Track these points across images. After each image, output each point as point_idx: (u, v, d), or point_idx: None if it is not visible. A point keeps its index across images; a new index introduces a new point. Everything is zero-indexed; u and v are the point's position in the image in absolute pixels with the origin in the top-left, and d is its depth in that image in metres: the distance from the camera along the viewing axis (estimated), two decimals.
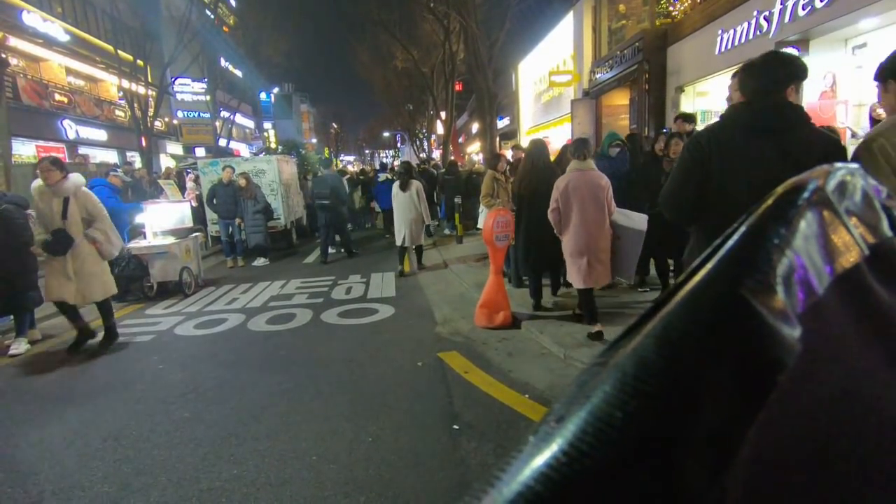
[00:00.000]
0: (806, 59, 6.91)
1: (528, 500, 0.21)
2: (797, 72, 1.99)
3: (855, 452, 0.29)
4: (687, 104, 9.76)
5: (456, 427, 2.96)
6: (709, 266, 0.29)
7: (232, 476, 2.59)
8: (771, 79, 1.97)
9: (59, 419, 3.38)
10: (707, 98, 9.65)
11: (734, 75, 2.27)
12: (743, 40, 7.88)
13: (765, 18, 7.28)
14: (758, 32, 7.51)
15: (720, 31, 8.40)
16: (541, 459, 0.22)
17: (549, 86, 16.27)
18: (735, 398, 0.24)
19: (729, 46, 8.25)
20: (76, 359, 4.59)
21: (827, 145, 1.93)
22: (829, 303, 0.30)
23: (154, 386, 3.85)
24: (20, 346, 4.74)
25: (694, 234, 2.19)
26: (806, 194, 0.33)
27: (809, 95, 6.94)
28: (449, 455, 2.69)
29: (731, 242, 0.30)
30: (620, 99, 12.67)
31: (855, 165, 0.39)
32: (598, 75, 13.09)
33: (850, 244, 0.33)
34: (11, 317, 4.98)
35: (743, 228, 0.31)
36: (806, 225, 0.31)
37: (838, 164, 0.38)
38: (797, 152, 1.88)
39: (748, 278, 0.27)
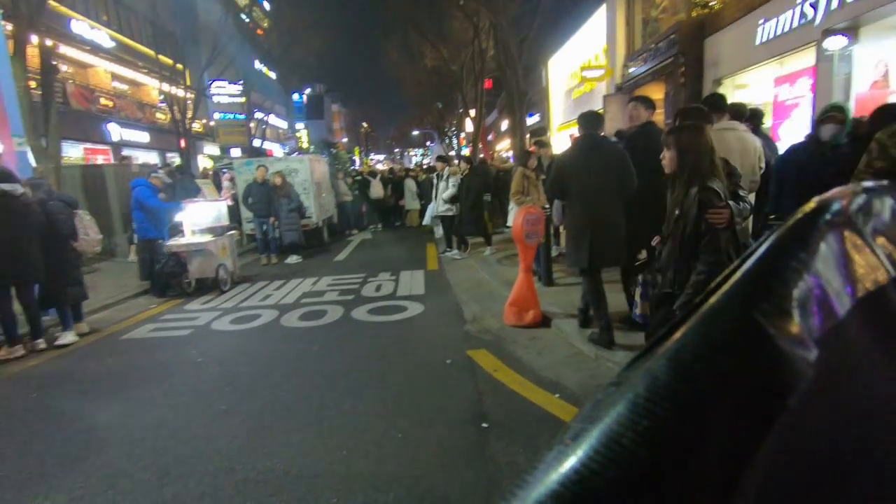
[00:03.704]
0: (856, 48, 6.57)
1: None
2: (602, 120, 4.19)
3: (874, 474, 0.29)
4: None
5: (485, 425, 2.94)
6: (725, 288, 0.29)
7: (266, 468, 2.65)
8: (595, 123, 3.99)
9: (104, 409, 3.53)
10: (747, 91, 9.28)
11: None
12: (786, 29, 7.54)
13: (810, 5, 6.95)
14: (802, 21, 7.18)
15: (761, 21, 8.07)
16: (554, 476, 0.23)
17: (580, 81, 16.00)
18: (744, 420, 0.24)
19: (770, 36, 7.92)
20: (120, 350, 4.80)
21: (618, 152, 3.83)
22: (850, 325, 0.29)
23: (192, 379, 3.98)
24: (66, 338, 4.98)
25: (567, 206, 4.12)
26: (828, 216, 0.32)
27: (860, 86, 6.60)
28: (478, 453, 2.67)
29: (748, 264, 0.30)
30: (655, 93, 12.31)
31: (885, 183, 0.38)
32: (631, 69, 12.79)
33: (876, 265, 0.32)
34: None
35: (761, 250, 0.30)
36: (826, 247, 0.30)
37: (866, 184, 0.37)
38: (608, 159, 3.77)
39: (763, 302, 0.26)
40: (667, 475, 0.22)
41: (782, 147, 5.77)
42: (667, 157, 2.69)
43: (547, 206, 5.83)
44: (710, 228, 2.53)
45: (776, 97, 8.27)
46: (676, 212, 2.67)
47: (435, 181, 9.17)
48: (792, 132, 7.61)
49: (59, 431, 3.24)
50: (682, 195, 2.64)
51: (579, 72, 15.45)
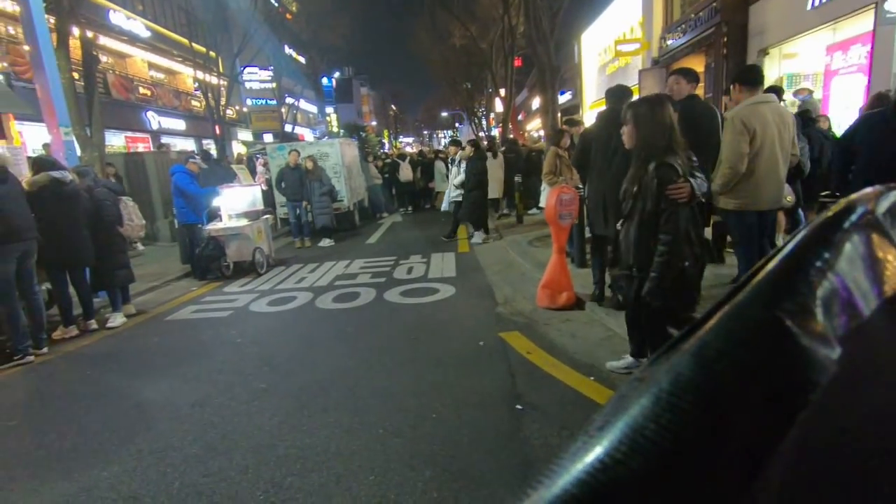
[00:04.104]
0: None
1: (565, 503, 0.23)
2: (630, 94, 4.06)
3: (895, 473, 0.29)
4: (772, 69, 8.91)
5: (519, 407, 2.93)
6: (748, 288, 0.29)
7: (305, 444, 2.73)
8: (619, 97, 3.92)
9: (152, 386, 3.71)
10: (796, 60, 8.76)
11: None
12: None
13: None
14: None
15: None
16: (580, 466, 0.24)
17: (614, 56, 15.46)
18: (766, 415, 0.25)
19: (824, 0, 7.41)
20: (165, 331, 5.01)
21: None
22: (875, 325, 0.30)
23: (233, 358, 4.12)
24: (116, 320, 5.23)
25: (588, 176, 4.26)
26: (853, 217, 0.33)
27: None
28: (513, 435, 2.68)
29: (773, 264, 0.30)
30: (694, 66, 11.78)
31: None
32: (669, 42, 12.26)
33: None
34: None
35: (786, 250, 0.31)
36: (851, 248, 0.31)
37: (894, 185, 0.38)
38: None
39: (786, 301, 0.27)
40: (689, 465, 0.23)
41: (839, 120, 5.44)
42: (626, 132, 2.66)
43: (580, 185, 5.70)
44: (669, 205, 2.49)
45: (828, 66, 7.77)
46: (634, 189, 2.62)
47: (450, 166, 9.05)
48: (845, 103, 7.15)
49: (112, 407, 3.42)
50: (640, 171, 2.59)
51: (614, 46, 14.91)
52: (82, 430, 3.13)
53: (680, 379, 0.26)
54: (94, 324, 5.12)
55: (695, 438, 0.24)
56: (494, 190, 10.63)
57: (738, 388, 0.25)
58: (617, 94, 4.10)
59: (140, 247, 9.35)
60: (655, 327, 2.87)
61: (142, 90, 19.13)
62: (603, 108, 4.39)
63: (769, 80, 8.89)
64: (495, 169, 10.56)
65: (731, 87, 3.70)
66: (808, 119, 4.66)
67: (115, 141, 16.83)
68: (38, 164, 4.84)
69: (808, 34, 8.07)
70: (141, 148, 17.75)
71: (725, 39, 9.62)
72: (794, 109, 6.17)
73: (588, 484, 0.23)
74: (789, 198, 4.03)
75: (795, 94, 6.84)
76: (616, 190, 3.84)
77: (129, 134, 18.12)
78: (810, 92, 6.66)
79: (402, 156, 15.73)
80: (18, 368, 4.24)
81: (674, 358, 0.27)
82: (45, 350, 4.52)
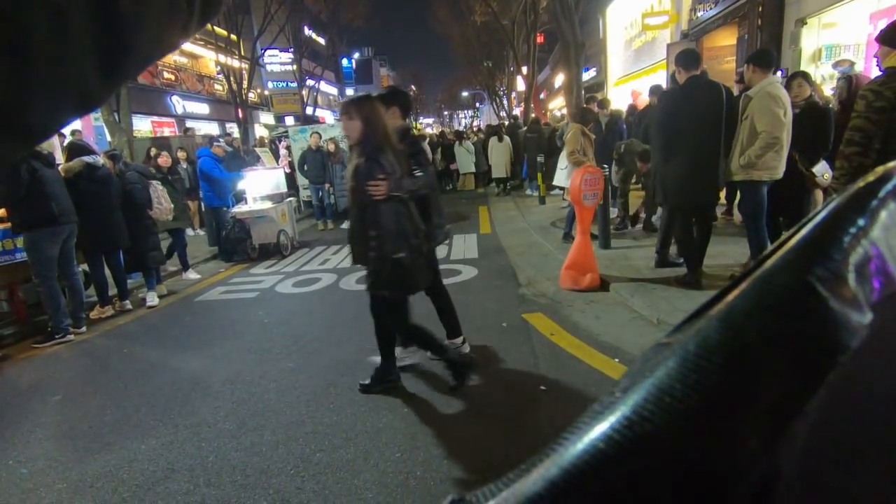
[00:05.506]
0: None
1: (592, 457, 0.23)
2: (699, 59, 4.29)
3: None
4: (810, 39, 8.49)
5: (543, 388, 2.94)
6: (780, 254, 0.29)
7: (332, 422, 2.80)
8: (691, 62, 4.02)
9: (185, 363, 3.84)
10: (836, 30, 8.31)
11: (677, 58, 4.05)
12: None
13: None
14: None
15: None
16: (606, 423, 0.24)
17: (641, 30, 14.94)
18: (794, 375, 0.25)
19: None
20: (196, 311, 5.16)
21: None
22: None
23: (261, 338, 4.22)
24: (153, 299, 5.41)
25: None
26: (890, 185, 0.32)
27: None
28: (537, 416, 2.69)
29: (804, 231, 0.30)
30: (726, 39, 11.33)
31: None
32: (699, 13, 11.76)
33: None
34: (141, 274, 5.66)
35: (819, 217, 0.31)
36: (888, 215, 0.31)
37: None
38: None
39: (818, 266, 0.27)
40: (716, 423, 0.24)
41: None
42: (351, 127, 2.68)
43: (605, 165, 5.58)
44: (371, 200, 2.60)
45: (871, 36, 7.35)
46: (352, 184, 2.69)
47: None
48: None
49: (149, 383, 3.55)
50: (355, 167, 2.68)
51: (641, 19, 14.39)
52: (121, 404, 3.27)
53: (708, 342, 0.26)
54: (128, 304, 5.31)
55: (722, 397, 0.24)
56: (501, 170, 11.80)
57: (766, 349, 0.25)
58: (690, 59, 4.10)
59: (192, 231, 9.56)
60: (381, 314, 2.97)
61: (166, 75, 19.38)
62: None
63: (807, 51, 8.48)
64: (501, 152, 11.67)
65: (746, 66, 3.98)
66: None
67: (142, 126, 17.14)
68: (72, 149, 4.97)
69: (850, 1, 7.63)
70: (167, 132, 18.06)
71: (760, 9, 9.17)
72: (834, 82, 5.88)
73: (614, 439, 0.24)
74: (827, 175, 3.87)
75: (835, 65, 6.51)
76: (661, 165, 4.26)
77: (155, 119, 18.44)
78: (851, 63, 6.33)
79: (423, 137, 15.62)
80: (60, 346, 4.44)
81: (700, 323, 0.28)
82: (83, 329, 4.71)
